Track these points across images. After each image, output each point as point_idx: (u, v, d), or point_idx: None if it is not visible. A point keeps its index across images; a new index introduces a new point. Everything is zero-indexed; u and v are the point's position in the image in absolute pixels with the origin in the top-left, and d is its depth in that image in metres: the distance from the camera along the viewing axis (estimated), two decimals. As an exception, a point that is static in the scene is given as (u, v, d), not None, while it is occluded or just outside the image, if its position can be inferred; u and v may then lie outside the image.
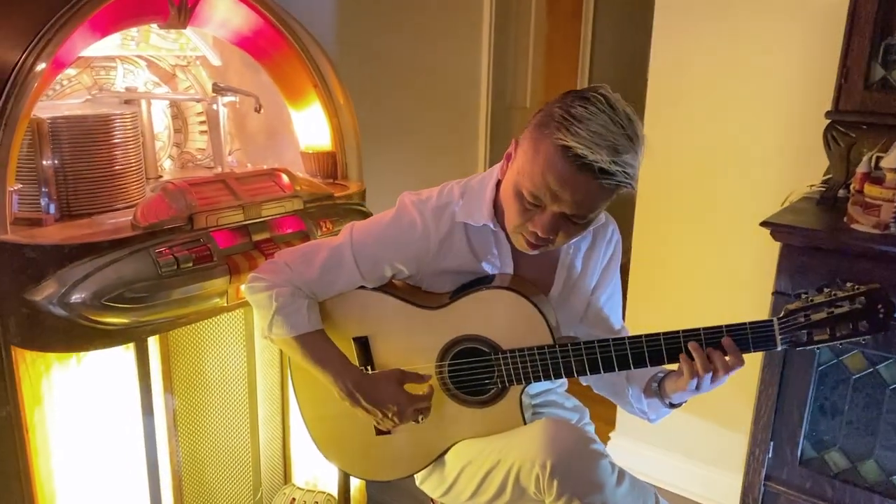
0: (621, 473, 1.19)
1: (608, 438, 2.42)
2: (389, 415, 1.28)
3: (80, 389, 1.35)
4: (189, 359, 1.52)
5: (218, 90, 1.81)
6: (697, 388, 1.18)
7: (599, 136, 1.08)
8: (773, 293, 1.57)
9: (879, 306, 1.11)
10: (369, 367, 1.38)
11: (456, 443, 1.35)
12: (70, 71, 1.65)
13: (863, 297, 1.12)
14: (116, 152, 1.48)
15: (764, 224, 1.56)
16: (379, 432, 1.39)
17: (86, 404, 1.36)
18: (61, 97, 1.66)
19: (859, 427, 1.55)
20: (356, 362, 1.37)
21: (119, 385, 1.39)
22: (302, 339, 1.31)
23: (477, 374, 1.30)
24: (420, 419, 1.31)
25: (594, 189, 1.12)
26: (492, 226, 1.28)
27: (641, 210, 2.21)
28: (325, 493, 1.80)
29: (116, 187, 1.49)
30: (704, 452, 2.23)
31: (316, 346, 1.31)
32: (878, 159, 1.53)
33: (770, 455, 1.64)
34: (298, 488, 1.80)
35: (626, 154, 1.09)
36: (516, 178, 1.18)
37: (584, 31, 3.92)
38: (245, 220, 1.51)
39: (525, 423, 1.29)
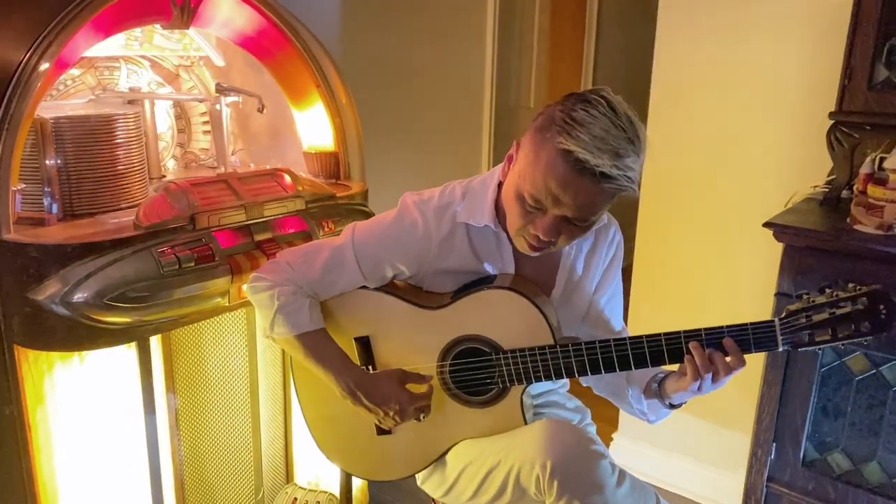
0: (622, 474, 1.19)
1: (611, 439, 2.42)
2: (391, 414, 1.29)
3: (83, 388, 1.36)
4: (191, 358, 1.52)
5: (221, 90, 1.81)
6: (699, 388, 1.18)
7: (601, 141, 1.07)
8: (775, 294, 1.57)
9: (881, 307, 1.11)
10: (371, 367, 1.38)
11: (457, 443, 1.35)
12: (74, 71, 1.65)
13: (865, 298, 1.12)
14: (119, 152, 1.49)
15: (767, 225, 1.55)
16: (380, 432, 1.40)
17: (88, 403, 1.37)
18: (65, 97, 1.66)
19: (862, 429, 1.55)
20: (357, 362, 1.37)
21: (121, 384, 1.39)
22: (303, 337, 1.31)
23: (478, 374, 1.30)
24: (421, 417, 1.31)
25: (596, 193, 1.12)
26: (493, 227, 1.28)
27: (644, 210, 2.21)
28: (326, 492, 1.80)
29: (119, 187, 1.50)
30: (707, 453, 2.23)
31: (318, 344, 1.32)
32: (882, 160, 1.53)
33: (772, 456, 1.64)
34: (300, 488, 1.81)
35: (627, 158, 1.09)
36: (517, 180, 1.18)
37: (589, 31, 3.91)
38: (247, 220, 1.51)
39: (526, 424, 1.29)
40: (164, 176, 1.80)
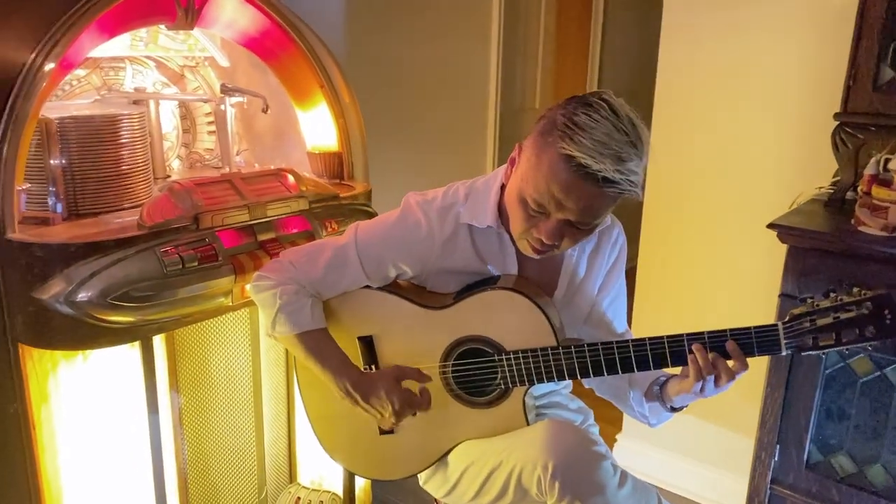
0: (623, 475, 1.19)
1: (614, 440, 2.41)
2: (386, 414, 1.29)
3: (87, 387, 1.36)
4: (194, 357, 1.53)
5: (226, 91, 1.82)
6: (701, 390, 1.18)
7: (603, 145, 1.07)
8: (779, 295, 1.56)
9: (886, 312, 1.10)
10: (373, 367, 1.38)
11: (459, 443, 1.35)
12: (79, 72, 1.66)
13: (869, 303, 1.11)
14: (123, 152, 1.49)
15: (770, 226, 1.55)
16: (383, 431, 1.40)
17: (92, 402, 1.37)
18: (71, 97, 1.67)
19: (866, 431, 1.54)
20: (361, 361, 1.38)
21: (125, 383, 1.40)
22: (304, 336, 1.31)
23: (480, 374, 1.30)
24: (416, 417, 1.31)
25: (598, 197, 1.12)
26: (496, 228, 1.28)
27: (649, 212, 2.21)
28: (330, 492, 1.81)
29: (123, 187, 1.50)
30: (711, 455, 2.22)
31: (318, 344, 1.32)
32: (887, 161, 1.52)
33: (776, 458, 1.63)
34: (303, 487, 1.81)
35: (630, 162, 1.09)
36: (520, 184, 1.18)
37: (594, 32, 3.91)
38: (250, 220, 1.51)
39: (528, 425, 1.29)
40: (168, 176, 1.81)
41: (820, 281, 1.49)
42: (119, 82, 1.75)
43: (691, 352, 1.16)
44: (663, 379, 1.29)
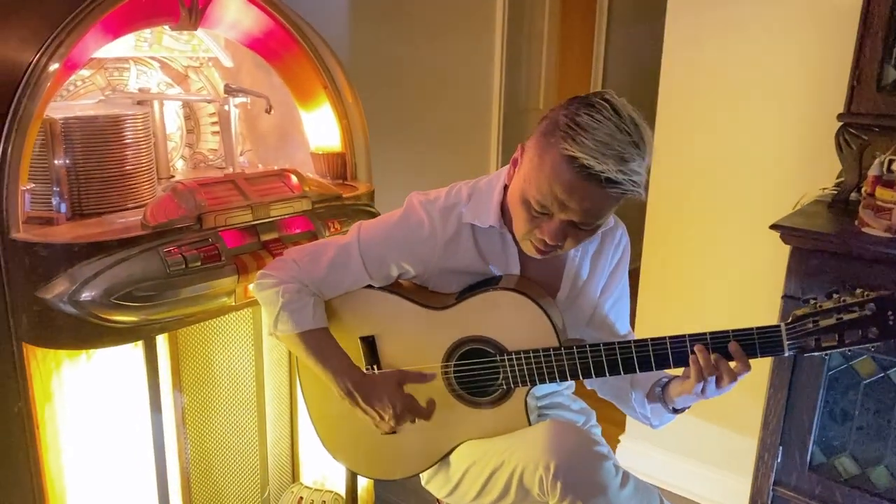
0: (625, 476, 1.19)
1: (618, 441, 2.41)
2: (386, 417, 1.29)
3: (90, 386, 1.37)
4: (197, 357, 1.53)
5: (230, 91, 1.82)
6: (702, 391, 1.18)
7: (606, 146, 1.07)
8: (782, 297, 1.56)
9: (889, 313, 1.10)
10: (375, 367, 1.38)
11: (461, 443, 1.35)
12: (84, 72, 1.67)
13: (872, 304, 1.11)
14: (127, 152, 1.50)
15: (774, 227, 1.55)
16: (384, 432, 1.40)
17: (95, 401, 1.38)
18: (75, 98, 1.68)
19: (870, 432, 1.54)
20: (363, 361, 1.38)
21: (128, 382, 1.40)
22: (305, 336, 1.31)
23: (482, 375, 1.30)
24: (416, 420, 1.31)
25: (601, 198, 1.12)
26: (498, 228, 1.28)
27: (652, 213, 2.21)
28: (332, 492, 1.81)
29: (127, 187, 1.51)
30: (714, 456, 2.22)
31: (319, 343, 1.32)
32: (891, 162, 1.52)
33: (779, 460, 1.63)
34: (306, 487, 1.81)
35: (633, 162, 1.09)
36: (523, 185, 1.18)
37: (598, 32, 3.91)
38: (253, 221, 1.52)
39: (530, 425, 1.29)
40: (172, 176, 1.82)
41: (823, 282, 1.48)
42: (123, 83, 1.75)
43: (693, 352, 1.16)
44: (665, 380, 1.29)
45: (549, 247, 1.20)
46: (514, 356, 1.26)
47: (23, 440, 1.36)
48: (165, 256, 1.35)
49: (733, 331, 1.15)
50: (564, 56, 3.82)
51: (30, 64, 1.26)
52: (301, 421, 1.77)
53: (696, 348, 1.15)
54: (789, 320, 1.14)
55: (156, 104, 1.74)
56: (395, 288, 1.36)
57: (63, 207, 1.42)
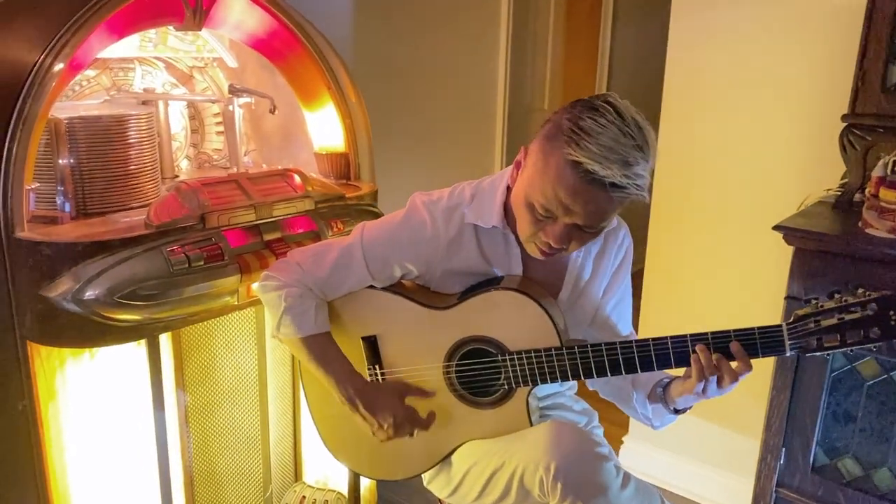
0: (626, 477, 1.19)
1: (621, 442, 2.41)
2: (385, 427, 1.29)
3: (94, 385, 1.37)
4: (201, 356, 1.53)
5: (234, 91, 1.83)
6: (704, 391, 1.17)
7: (610, 150, 1.07)
8: (785, 297, 1.56)
9: (891, 313, 1.10)
10: (377, 367, 1.39)
11: (463, 443, 1.35)
12: (89, 72, 1.68)
13: (874, 304, 1.10)
14: (131, 152, 1.50)
15: (777, 228, 1.54)
16: (382, 440, 1.40)
17: (99, 399, 1.39)
18: (81, 98, 1.68)
19: (873, 434, 1.53)
20: (364, 361, 1.38)
21: (131, 381, 1.41)
22: (308, 340, 1.32)
23: (484, 375, 1.30)
24: (415, 434, 1.31)
25: (605, 202, 1.12)
26: (501, 228, 1.28)
27: (656, 213, 2.20)
28: (335, 491, 1.81)
29: (131, 186, 1.52)
30: (717, 457, 2.21)
31: (321, 348, 1.33)
32: (895, 164, 1.51)
33: (782, 461, 1.63)
34: (309, 486, 1.81)
35: (637, 166, 1.09)
36: (527, 189, 1.18)
37: (603, 32, 3.90)
38: (256, 220, 1.52)
39: (531, 426, 1.29)
40: (177, 176, 1.82)
41: (826, 283, 1.48)
42: (128, 83, 1.76)
43: (694, 352, 1.16)
44: (666, 380, 1.29)
45: (553, 249, 1.21)
46: (515, 356, 1.27)
47: (27, 438, 1.37)
48: (169, 256, 1.35)
49: (735, 330, 1.15)
50: (569, 56, 3.81)
51: (35, 64, 1.27)
52: (304, 420, 1.78)
53: (697, 348, 1.15)
54: (791, 320, 1.14)
55: (160, 104, 1.75)
56: (396, 288, 1.36)
57: (67, 207, 1.42)
